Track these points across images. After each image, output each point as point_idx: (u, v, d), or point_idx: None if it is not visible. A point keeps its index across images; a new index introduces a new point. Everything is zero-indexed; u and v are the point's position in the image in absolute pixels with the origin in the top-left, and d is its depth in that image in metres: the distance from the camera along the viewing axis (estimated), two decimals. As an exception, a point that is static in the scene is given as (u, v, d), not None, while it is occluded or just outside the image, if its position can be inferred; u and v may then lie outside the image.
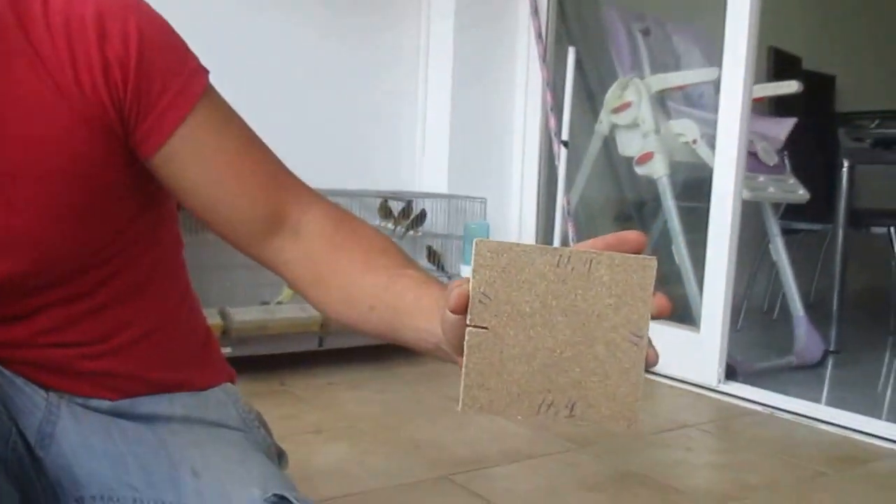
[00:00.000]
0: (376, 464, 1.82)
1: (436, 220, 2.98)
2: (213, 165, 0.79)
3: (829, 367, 2.98)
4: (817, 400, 2.42)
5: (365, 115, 3.08)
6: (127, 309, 0.86)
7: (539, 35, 3.08)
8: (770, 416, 2.35)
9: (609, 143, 3.19)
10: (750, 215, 2.82)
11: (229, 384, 0.99)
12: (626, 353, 0.61)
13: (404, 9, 3.13)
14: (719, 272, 2.56)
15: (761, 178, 3.01)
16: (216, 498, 0.79)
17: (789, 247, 3.15)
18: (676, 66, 3.11)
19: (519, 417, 0.63)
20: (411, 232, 2.90)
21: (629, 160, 3.07)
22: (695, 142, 2.87)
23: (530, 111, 3.25)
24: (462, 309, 0.59)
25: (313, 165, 2.74)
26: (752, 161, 2.87)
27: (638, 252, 0.61)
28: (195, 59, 0.80)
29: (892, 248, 3.37)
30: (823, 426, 2.25)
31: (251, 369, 2.43)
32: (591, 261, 0.61)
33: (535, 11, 3.09)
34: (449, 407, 2.24)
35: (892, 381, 2.91)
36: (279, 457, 1.03)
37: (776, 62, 3.54)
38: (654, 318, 0.61)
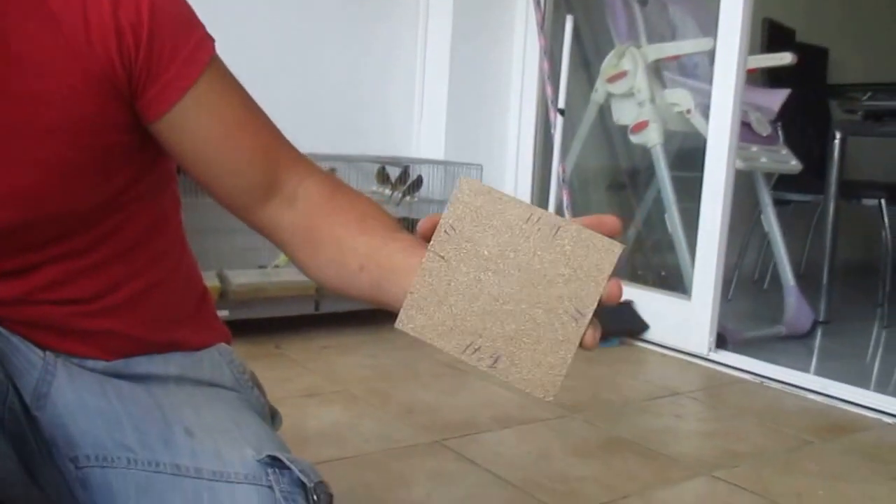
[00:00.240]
0: (370, 428, 1.84)
1: (432, 187, 2.99)
2: (214, 133, 0.80)
3: (819, 337, 3.01)
4: (806, 369, 2.44)
5: (363, 82, 3.07)
6: (125, 266, 0.87)
7: (537, 3, 3.07)
8: (759, 385, 2.37)
9: (604, 112, 3.19)
10: (742, 185, 2.83)
11: (224, 344, 1.00)
12: (565, 325, 0.62)
13: (402, -25, 3.12)
14: (712, 241, 2.57)
15: (754, 149, 3.02)
16: (210, 458, 0.79)
17: (781, 217, 3.17)
18: (672, 36, 3.10)
19: (444, 351, 0.64)
20: (408, 197, 2.91)
21: (624, 129, 3.08)
22: (689, 111, 2.88)
23: (527, 79, 3.24)
24: (429, 234, 0.65)
25: (311, 131, 2.77)
26: (746, 131, 2.88)
27: (611, 236, 0.62)
28: (202, 27, 0.81)
29: (883, 219, 3.38)
30: (811, 395, 2.27)
31: (248, 332, 2.45)
32: (558, 227, 0.62)
33: (533, -22, 3.08)
34: (442, 373, 2.26)
35: (880, 351, 2.94)
36: (273, 416, 1.03)
37: (770, 34, 3.53)
38: (603, 302, 0.62)
